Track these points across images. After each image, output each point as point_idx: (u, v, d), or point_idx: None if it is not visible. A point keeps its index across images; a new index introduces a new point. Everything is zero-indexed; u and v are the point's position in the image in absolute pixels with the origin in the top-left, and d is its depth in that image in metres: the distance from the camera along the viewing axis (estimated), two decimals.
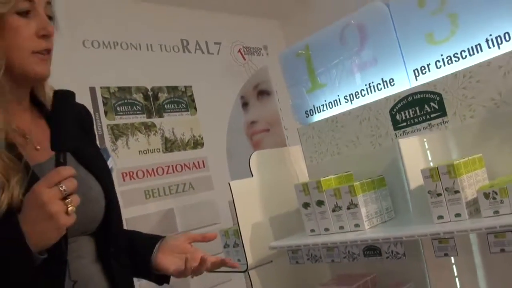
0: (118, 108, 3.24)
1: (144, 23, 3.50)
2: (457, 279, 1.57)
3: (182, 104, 3.63)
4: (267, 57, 4.23)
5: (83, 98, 2.79)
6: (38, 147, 1.10)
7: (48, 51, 1.10)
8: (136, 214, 3.02)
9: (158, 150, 3.39)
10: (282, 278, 1.88)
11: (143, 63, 3.48)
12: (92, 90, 3.12)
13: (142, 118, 3.37)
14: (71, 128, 0.99)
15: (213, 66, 3.86)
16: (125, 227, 1.38)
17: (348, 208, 1.57)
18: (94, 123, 2.98)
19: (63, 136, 0.97)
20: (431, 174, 1.37)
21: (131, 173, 3.17)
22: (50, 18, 1.11)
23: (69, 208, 0.91)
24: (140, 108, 3.37)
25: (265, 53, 4.30)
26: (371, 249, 1.46)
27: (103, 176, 1.17)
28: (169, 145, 3.47)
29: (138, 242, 1.37)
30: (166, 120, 3.51)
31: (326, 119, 1.94)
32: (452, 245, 1.28)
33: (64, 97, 1.00)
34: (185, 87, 3.68)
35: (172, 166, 3.42)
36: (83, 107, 1.34)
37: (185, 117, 3.62)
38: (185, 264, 1.27)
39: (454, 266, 1.57)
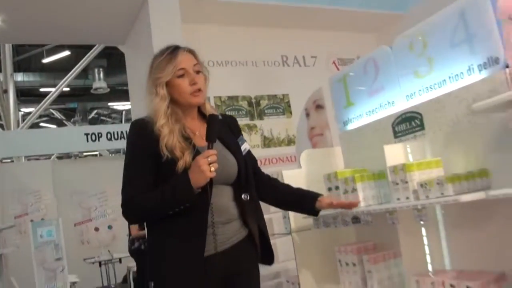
0: (227, 113, 4.17)
1: (249, 44, 4.40)
2: (426, 246, 2.21)
3: (280, 109, 4.47)
4: None
5: None
6: (203, 138, 1.92)
7: (199, 90, 1.95)
8: None
9: (258, 146, 4.28)
10: (316, 240, 2.63)
11: (249, 76, 4.38)
12: (207, 99, 4.08)
13: (246, 121, 4.28)
14: (214, 130, 1.85)
15: (308, 76, 4.64)
16: None
17: (352, 192, 2.28)
18: None
19: (211, 134, 1.84)
20: (394, 169, 2.05)
21: None
22: (198, 72, 1.97)
23: (211, 169, 1.76)
24: (244, 113, 4.29)
25: None
26: (355, 218, 2.17)
27: (236, 153, 2.02)
28: (267, 142, 4.34)
29: (304, 190, 2.21)
30: (265, 122, 4.38)
31: (355, 129, 2.64)
32: (396, 217, 1.96)
33: (212, 116, 1.90)
34: (283, 95, 4.52)
35: (269, 159, 4.29)
36: (230, 117, 2.26)
37: (282, 119, 4.46)
38: (338, 203, 2.09)
39: (425, 238, 2.21)
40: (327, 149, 2.83)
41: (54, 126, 16.44)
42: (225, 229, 1.90)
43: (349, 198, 2.28)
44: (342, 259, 2.43)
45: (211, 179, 1.79)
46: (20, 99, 14.04)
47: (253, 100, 4.37)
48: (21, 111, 14.40)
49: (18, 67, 13.69)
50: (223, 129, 2.05)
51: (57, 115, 16.08)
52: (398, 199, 2.03)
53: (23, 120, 13.24)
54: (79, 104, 15.76)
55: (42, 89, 14.45)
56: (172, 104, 1.96)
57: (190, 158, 1.82)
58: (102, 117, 17.13)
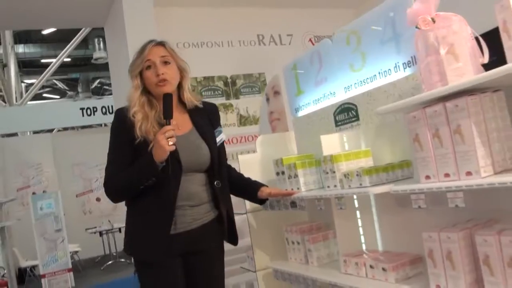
0: (203, 93, 4.35)
1: (225, 24, 4.52)
2: (360, 228, 2.40)
3: (256, 88, 4.63)
4: None
5: None
6: (180, 128, 2.17)
7: (164, 80, 2.14)
8: None
9: (234, 125, 4.46)
10: (269, 220, 2.84)
11: (225, 56, 4.53)
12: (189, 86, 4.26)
13: (222, 100, 4.44)
14: (169, 108, 2.05)
15: (284, 55, 4.75)
16: None
17: (294, 177, 2.46)
18: None
19: (167, 112, 2.04)
20: (324, 159, 2.22)
21: None
22: (166, 62, 2.16)
23: (169, 143, 1.95)
24: (220, 92, 4.45)
25: None
26: (293, 203, 2.37)
27: (210, 142, 2.21)
28: (243, 120, 4.51)
29: (251, 181, 2.48)
30: (241, 101, 4.54)
31: (305, 116, 2.81)
32: (322, 203, 2.15)
33: (166, 95, 2.09)
34: (259, 73, 4.66)
35: (245, 137, 4.47)
36: (212, 105, 2.43)
37: (257, 98, 4.61)
38: (276, 192, 2.40)
39: (359, 220, 2.40)
40: (282, 134, 3.00)
41: (58, 97, 16.66)
42: (193, 211, 2.15)
43: (292, 183, 2.47)
44: (289, 238, 2.64)
45: (180, 166, 2.06)
46: (22, 70, 14.25)
47: (229, 80, 4.52)
48: (24, 82, 14.64)
49: (19, 39, 13.85)
50: (202, 119, 2.27)
51: (60, 85, 16.29)
52: (328, 186, 2.21)
53: (26, 91, 13.48)
54: (81, 75, 15.94)
55: (43, 60, 14.62)
56: (147, 93, 2.19)
57: None
58: (105, 87, 17.30)
